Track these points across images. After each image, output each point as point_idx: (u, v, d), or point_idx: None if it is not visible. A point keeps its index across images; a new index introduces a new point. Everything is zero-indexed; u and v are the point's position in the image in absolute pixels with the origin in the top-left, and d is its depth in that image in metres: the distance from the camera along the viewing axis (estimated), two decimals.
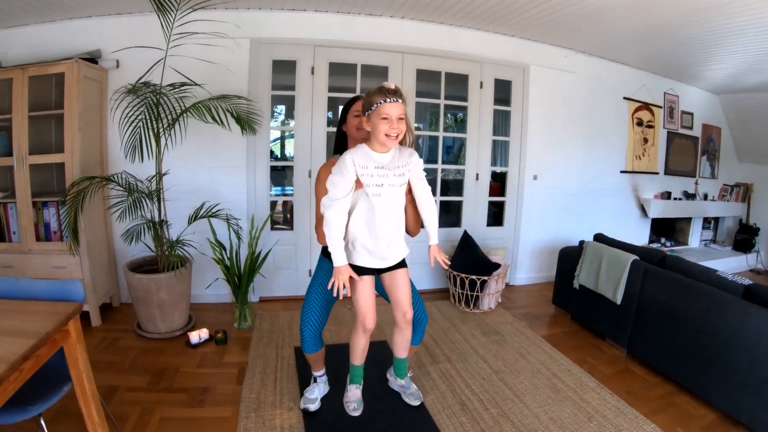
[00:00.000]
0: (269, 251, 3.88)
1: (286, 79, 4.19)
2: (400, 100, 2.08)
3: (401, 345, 2.47)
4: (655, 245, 5.81)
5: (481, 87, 4.40)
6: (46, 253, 3.47)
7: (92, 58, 3.57)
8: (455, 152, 4.86)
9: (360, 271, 2.24)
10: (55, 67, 3.30)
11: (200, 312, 3.96)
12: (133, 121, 3.03)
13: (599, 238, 3.85)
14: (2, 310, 1.91)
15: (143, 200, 3.39)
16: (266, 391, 2.79)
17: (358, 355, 2.43)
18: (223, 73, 3.80)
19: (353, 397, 2.48)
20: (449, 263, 2.34)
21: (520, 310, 4.17)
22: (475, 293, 4.00)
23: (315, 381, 2.69)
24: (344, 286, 2.19)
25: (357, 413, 2.40)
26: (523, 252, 4.80)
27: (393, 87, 2.10)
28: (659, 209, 5.47)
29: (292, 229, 4.34)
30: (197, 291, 4.03)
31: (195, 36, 3.25)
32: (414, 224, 2.39)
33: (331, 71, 4.11)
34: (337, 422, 2.46)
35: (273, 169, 4.37)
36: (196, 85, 3.36)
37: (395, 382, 2.65)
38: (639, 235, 5.60)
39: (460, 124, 4.80)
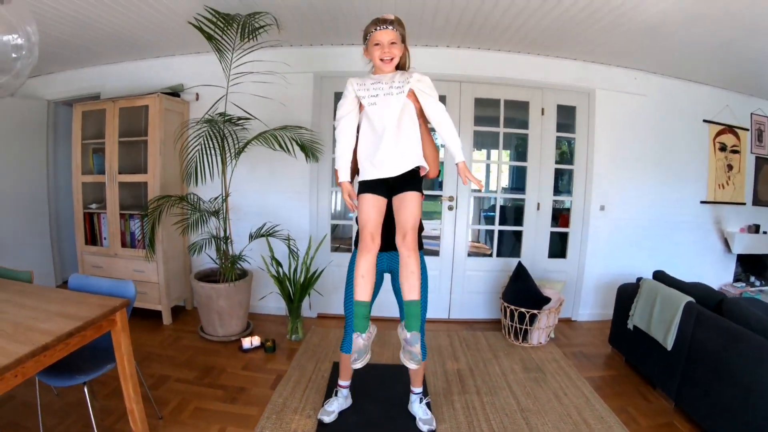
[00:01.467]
0: (321, 271, 4.12)
1: None
2: (390, 27, 2.18)
3: (407, 280, 2.25)
4: (740, 284, 5.12)
5: (543, 114, 4.30)
6: (130, 258, 4.08)
7: (175, 92, 4.15)
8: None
9: (370, 187, 2.25)
10: (141, 100, 3.92)
11: (260, 321, 4.37)
12: (192, 149, 3.44)
13: (658, 276, 3.55)
14: (66, 299, 2.40)
15: (209, 217, 3.84)
16: (293, 398, 3.04)
17: (361, 286, 2.26)
18: (289, 105, 4.22)
19: (355, 346, 2.27)
20: (481, 183, 2.25)
21: (573, 348, 3.95)
22: (524, 326, 3.90)
23: (336, 394, 2.87)
24: (351, 199, 2.28)
25: (358, 364, 2.22)
26: (588, 287, 4.54)
27: (386, 17, 2.21)
28: (745, 244, 4.84)
29: (350, 251, 4.55)
30: (261, 302, 4.46)
31: (256, 73, 3.73)
32: (432, 161, 2.37)
33: None
34: None
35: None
36: (252, 118, 3.78)
37: (402, 334, 2.32)
38: (722, 272, 5.01)
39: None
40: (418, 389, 2.78)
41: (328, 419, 2.73)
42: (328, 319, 4.51)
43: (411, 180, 2.25)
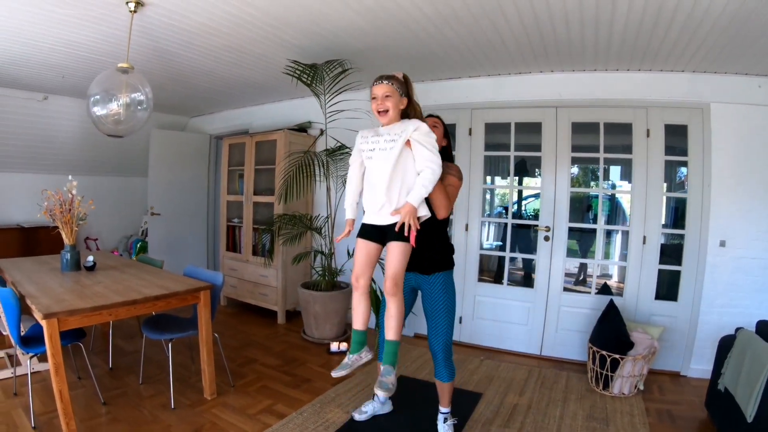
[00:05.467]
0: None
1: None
2: (386, 82, 2.48)
3: (387, 321, 2.57)
4: None
5: (648, 136, 3.99)
6: (257, 264, 5.19)
7: (302, 129, 5.15)
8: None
9: (365, 232, 2.57)
10: (271, 135, 5.05)
11: None
12: (285, 174, 4.30)
13: (763, 326, 2.93)
14: (172, 279, 3.50)
15: (308, 233, 4.65)
16: (345, 396, 3.55)
17: (354, 317, 2.62)
18: None
19: (343, 361, 2.63)
20: (416, 229, 2.38)
21: (664, 405, 3.48)
22: (604, 372, 3.62)
23: (374, 398, 3.26)
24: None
25: (335, 373, 2.58)
26: (703, 337, 3.87)
27: (388, 74, 2.52)
28: None
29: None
30: None
31: (349, 111, 4.49)
32: (439, 205, 2.61)
33: (486, 130, 4.63)
34: None
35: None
36: (347, 147, 4.46)
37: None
38: None
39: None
40: (445, 409, 2.98)
41: (358, 417, 3.19)
42: (423, 339, 4.78)
43: (400, 230, 2.44)
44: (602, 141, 4.18)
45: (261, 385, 3.66)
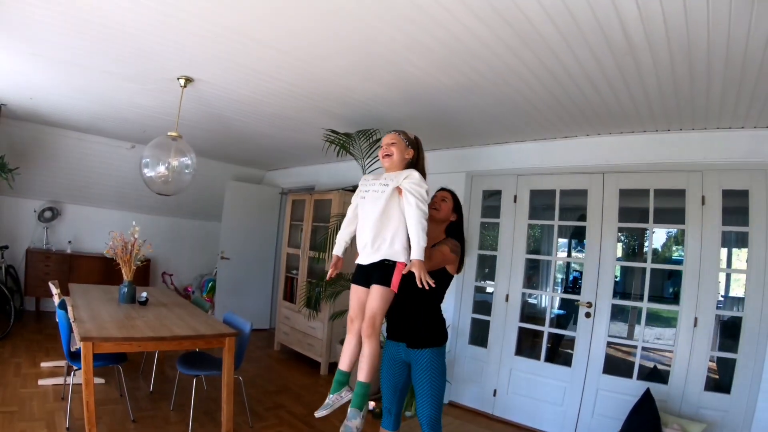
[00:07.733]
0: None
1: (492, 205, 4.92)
2: (393, 132, 2.68)
3: (359, 362, 2.57)
4: None
5: (703, 203, 3.59)
6: (307, 315, 5.37)
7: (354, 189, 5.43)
8: None
9: (356, 274, 2.64)
10: (327, 195, 5.45)
11: None
12: (327, 233, 4.55)
13: None
14: (205, 322, 3.84)
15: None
16: None
17: (342, 357, 2.65)
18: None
19: (326, 400, 2.67)
20: (431, 284, 2.34)
21: None
22: None
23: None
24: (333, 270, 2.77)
25: (317, 413, 2.62)
26: None
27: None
28: None
29: (485, 347, 4.74)
30: None
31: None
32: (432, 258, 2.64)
33: (531, 197, 4.56)
34: None
35: None
36: None
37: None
38: None
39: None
40: None
41: None
42: (456, 408, 4.72)
43: (381, 272, 2.51)
44: (651, 211, 3.86)
45: (278, 430, 3.84)
